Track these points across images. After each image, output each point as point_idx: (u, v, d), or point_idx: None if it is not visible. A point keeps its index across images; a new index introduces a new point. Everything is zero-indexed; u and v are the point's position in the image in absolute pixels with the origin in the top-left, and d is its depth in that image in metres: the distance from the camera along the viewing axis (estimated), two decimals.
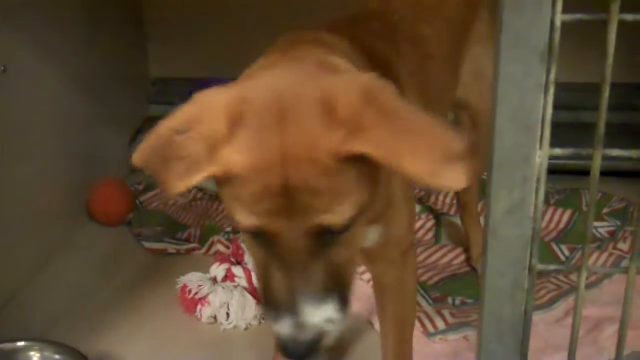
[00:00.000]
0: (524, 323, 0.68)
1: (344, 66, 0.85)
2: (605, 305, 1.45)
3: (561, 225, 1.78)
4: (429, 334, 1.42)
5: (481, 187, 1.80)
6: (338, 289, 0.80)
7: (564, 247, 1.68)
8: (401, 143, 0.70)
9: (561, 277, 1.56)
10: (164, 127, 0.75)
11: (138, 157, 0.77)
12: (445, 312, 1.47)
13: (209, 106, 0.74)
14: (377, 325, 1.43)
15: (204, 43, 2.30)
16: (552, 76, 0.57)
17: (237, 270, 1.52)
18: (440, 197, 1.90)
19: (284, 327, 0.78)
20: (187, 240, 1.78)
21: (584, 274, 0.64)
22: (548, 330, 1.41)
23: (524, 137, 0.59)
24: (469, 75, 1.39)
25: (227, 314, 1.48)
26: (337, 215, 0.74)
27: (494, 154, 0.60)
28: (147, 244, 1.78)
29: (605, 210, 1.87)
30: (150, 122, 2.25)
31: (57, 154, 1.79)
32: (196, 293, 1.49)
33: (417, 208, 1.83)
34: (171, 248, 1.76)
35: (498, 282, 0.65)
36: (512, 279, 0.64)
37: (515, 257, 0.63)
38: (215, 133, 0.72)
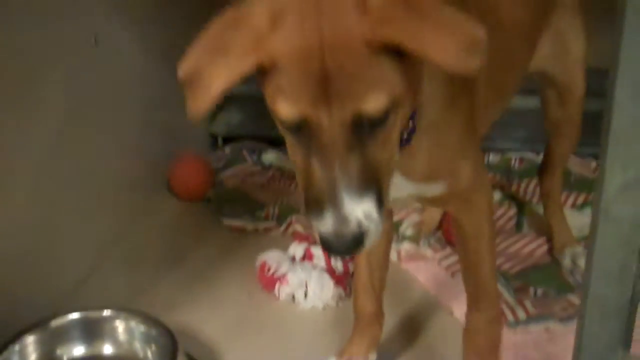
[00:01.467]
0: (629, 309, 0.65)
1: None
2: None
3: None
4: (509, 324, 1.38)
5: (566, 175, 1.76)
6: (375, 185, 0.82)
7: None
8: (428, 33, 0.76)
9: None
10: (212, 26, 0.81)
11: (186, 60, 0.82)
12: (527, 303, 1.44)
13: (252, 4, 0.79)
14: (456, 313, 1.41)
15: None
16: None
17: (316, 250, 1.52)
18: (523, 185, 1.86)
19: (327, 222, 0.80)
20: (266, 219, 1.79)
21: None
22: None
23: None
24: (553, 47, 1.35)
25: (305, 294, 1.48)
26: (372, 103, 0.78)
27: (611, 128, 0.57)
28: (227, 221, 1.79)
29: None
30: (230, 100, 2.29)
31: (140, 127, 1.81)
32: (275, 271, 1.50)
33: (498, 196, 1.79)
34: (249, 226, 1.77)
35: (606, 264, 0.62)
36: (622, 261, 0.62)
37: (627, 239, 0.61)
38: (260, 26, 0.77)
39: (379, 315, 1.29)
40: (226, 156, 2.10)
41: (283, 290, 1.49)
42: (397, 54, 0.77)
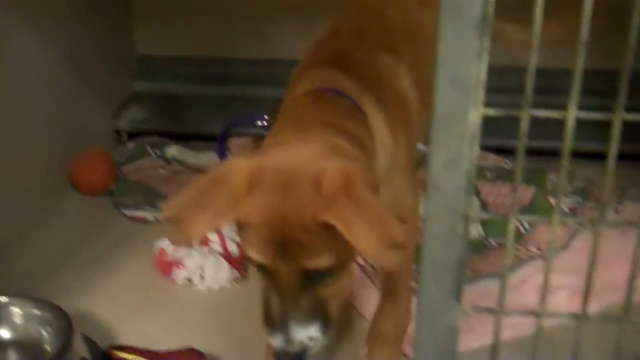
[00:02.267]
0: (458, 267, 0.76)
1: (344, 147, 1.06)
2: (561, 273, 1.54)
3: (525, 202, 1.87)
4: None
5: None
6: (322, 316, 1.03)
7: (524, 222, 1.77)
8: (359, 225, 0.92)
9: (521, 247, 1.66)
10: (201, 181, 0.99)
11: (171, 205, 0.99)
12: None
13: (236, 170, 0.96)
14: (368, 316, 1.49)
15: (190, 21, 2.37)
16: (485, 44, 0.65)
17: (212, 236, 1.60)
18: None
19: (277, 341, 1.01)
20: None
21: (513, 223, 0.72)
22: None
23: (460, 97, 0.67)
24: None
25: (202, 277, 1.56)
26: (315, 262, 0.97)
27: (435, 112, 0.67)
28: (128, 212, 1.85)
29: (569, 188, 1.96)
30: (134, 97, 2.34)
31: (42, 127, 1.86)
32: (172, 256, 1.56)
33: None
34: (150, 216, 1.83)
35: (437, 229, 0.73)
36: (449, 226, 0.72)
37: (452, 206, 0.71)
38: (239, 191, 0.94)
39: None
40: (130, 151, 2.15)
41: (180, 274, 1.56)
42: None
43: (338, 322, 1.09)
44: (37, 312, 1.34)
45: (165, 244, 1.59)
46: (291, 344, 1.01)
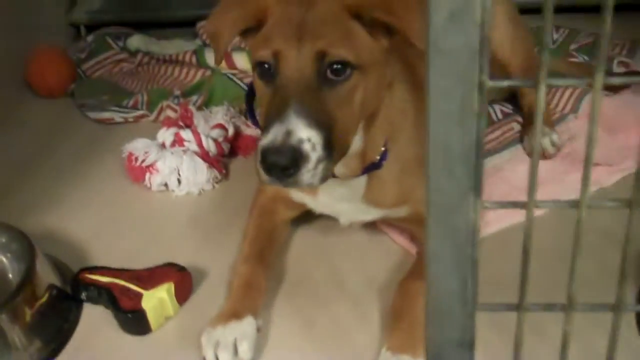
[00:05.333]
0: (476, 152, 0.59)
1: None
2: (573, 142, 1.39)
3: None
4: None
5: None
6: (326, 131, 0.88)
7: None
8: (400, 10, 0.89)
9: (514, 124, 1.49)
10: None
11: (208, 21, 1.05)
12: None
13: None
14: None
15: None
16: None
17: (186, 134, 1.42)
18: None
19: (269, 135, 0.86)
20: (134, 108, 1.67)
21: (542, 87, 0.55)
22: (511, 171, 1.36)
23: None
24: None
25: (179, 180, 1.39)
26: (336, 49, 0.90)
27: None
28: (93, 114, 1.67)
29: (573, 46, 1.78)
30: None
31: None
32: (143, 160, 1.39)
33: None
34: (118, 117, 1.65)
35: (444, 105, 0.56)
36: (460, 99, 0.55)
37: (462, 73, 0.54)
38: None
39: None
40: (89, 46, 1.93)
41: (154, 180, 1.39)
42: (374, 33, 0.94)
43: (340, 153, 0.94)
44: None
45: (133, 147, 1.41)
46: (288, 135, 0.85)
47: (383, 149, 1.06)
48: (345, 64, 0.90)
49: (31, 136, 1.63)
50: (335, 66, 0.90)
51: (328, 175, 0.91)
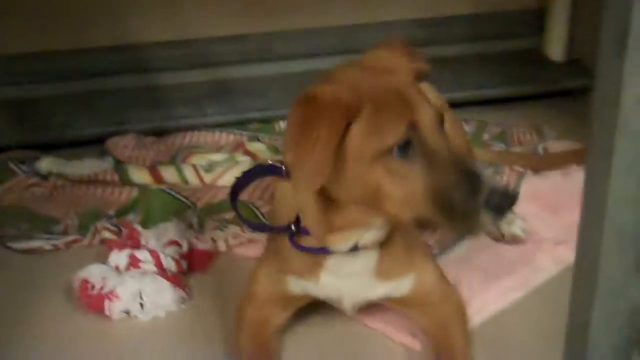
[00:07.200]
0: None
1: None
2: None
3: None
4: None
5: None
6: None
7: None
8: None
9: None
10: (294, 125, 0.94)
11: (286, 151, 0.94)
12: None
13: (321, 96, 0.94)
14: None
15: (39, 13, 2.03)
16: None
17: (142, 255, 1.34)
18: None
19: (481, 185, 0.90)
20: (64, 233, 1.55)
21: None
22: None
23: None
24: None
25: (141, 305, 1.29)
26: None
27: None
28: (16, 245, 1.53)
29: (485, 136, 1.89)
30: None
31: None
32: (101, 287, 1.29)
33: None
34: (48, 245, 1.52)
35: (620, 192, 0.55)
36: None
37: None
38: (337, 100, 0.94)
39: None
40: None
41: (114, 307, 1.28)
42: None
43: None
44: None
45: (87, 274, 1.30)
46: (492, 178, 1.03)
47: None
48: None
49: None
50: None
51: None
